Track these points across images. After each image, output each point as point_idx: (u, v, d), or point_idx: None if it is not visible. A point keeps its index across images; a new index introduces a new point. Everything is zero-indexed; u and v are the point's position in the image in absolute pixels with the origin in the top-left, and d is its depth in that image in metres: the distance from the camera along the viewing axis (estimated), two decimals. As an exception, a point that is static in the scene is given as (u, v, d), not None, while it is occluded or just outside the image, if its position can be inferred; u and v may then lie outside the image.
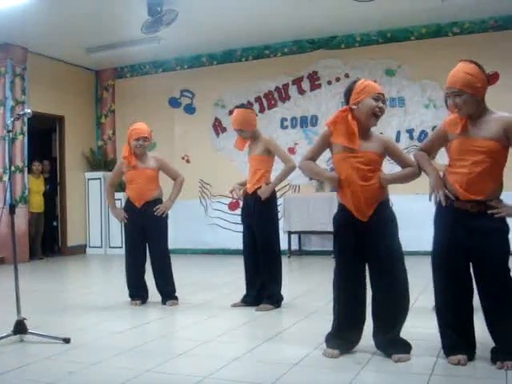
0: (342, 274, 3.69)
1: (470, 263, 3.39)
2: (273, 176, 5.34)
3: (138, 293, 5.71)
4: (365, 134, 3.64)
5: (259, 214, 5.25)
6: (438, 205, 3.46)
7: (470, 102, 3.29)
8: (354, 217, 3.60)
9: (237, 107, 5.68)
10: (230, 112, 10.45)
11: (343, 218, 3.67)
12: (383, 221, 3.61)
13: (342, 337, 3.66)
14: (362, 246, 3.61)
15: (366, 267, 3.70)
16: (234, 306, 5.39)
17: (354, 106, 3.61)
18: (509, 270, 3.30)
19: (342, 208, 3.68)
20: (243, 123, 5.38)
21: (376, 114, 3.60)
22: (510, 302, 3.28)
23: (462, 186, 3.30)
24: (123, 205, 5.88)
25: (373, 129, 3.71)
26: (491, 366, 3.26)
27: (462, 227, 3.32)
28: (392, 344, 3.57)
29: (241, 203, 5.60)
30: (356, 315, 3.69)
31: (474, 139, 3.30)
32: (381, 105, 3.61)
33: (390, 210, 3.70)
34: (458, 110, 3.32)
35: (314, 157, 3.79)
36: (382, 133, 9.22)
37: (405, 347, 3.58)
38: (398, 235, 3.67)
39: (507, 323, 3.27)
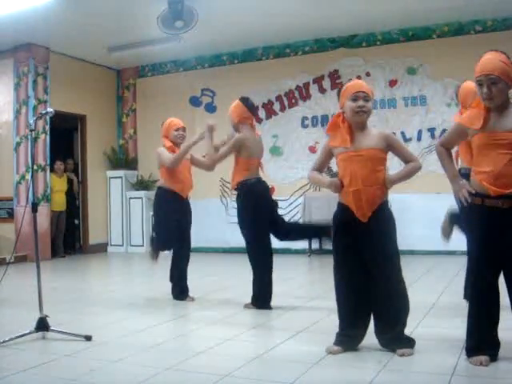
0: (342, 273, 3.70)
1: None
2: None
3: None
4: (361, 132, 3.67)
5: (239, 215, 5.27)
6: (469, 205, 3.41)
7: (503, 92, 3.23)
8: (354, 217, 3.61)
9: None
10: (251, 111, 10.49)
11: (344, 218, 3.68)
12: (382, 221, 3.64)
13: (347, 334, 3.70)
14: (361, 246, 3.62)
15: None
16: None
17: (341, 110, 3.76)
18: None
19: (342, 208, 3.70)
20: (230, 111, 5.50)
21: (358, 113, 3.62)
22: None
23: (489, 182, 3.24)
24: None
25: (384, 127, 3.73)
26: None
27: (495, 225, 3.26)
28: (395, 341, 3.60)
29: None
30: (359, 312, 3.70)
31: (497, 132, 3.23)
32: (360, 103, 3.63)
33: (389, 210, 3.72)
34: (490, 99, 3.23)
35: (319, 167, 3.91)
36: (394, 133, 9.29)
37: (408, 342, 3.62)
38: (396, 236, 3.69)
39: None
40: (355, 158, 3.60)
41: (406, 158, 3.73)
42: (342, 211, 3.69)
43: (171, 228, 5.64)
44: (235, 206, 5.26)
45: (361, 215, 3.60)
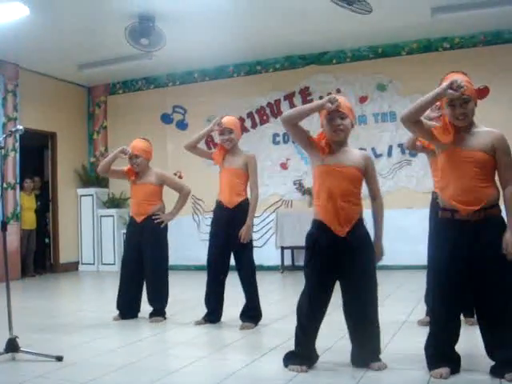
0: (315, 293, 3.67)
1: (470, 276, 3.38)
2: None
3: (121, 309, 5.75)
4: (340, 150, 3.66)
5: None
6: (438, 218, 3.47)
7: (473, 110, 3.34)
8: (332, 233, 3.58)
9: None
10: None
11: (321, 235, 3.62)
12: (361, 238, 3.64)
13: (307, 353, 3.71)
14: (337, 263, 3.61)
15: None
16: (199, 323, 5.35)
17: (321, 128, 3.72)
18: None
19: (319, 225, 3.64)
20: (235, 126, 5.38)
21: (335, 131, 3.62)
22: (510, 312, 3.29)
23: (457, 200, 3.30)
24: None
25: (355, 143, 3.76)
26: (488, 379, 3.26)
27: (464, 238, 3.31)
28: (370, 356, 3.62)
29: None
30: (318, 329, 3.72)
31: (467, 150, 3.31)
32: (337, 122, 3.61)
33: (365, 227, 3.72)
34: (463, 118, 3.32)
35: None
36: (365, 149, 9.37)
37: (378, 356, 3.65)
38: (373, 253, 3.70)
39: (508, 336, 3.28)
40: (337, 172, 3.59)
41: (371, 190, 3.75)
42: (319, 229, 3.64)
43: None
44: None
45: (339, 230, 3.57)
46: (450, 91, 3.23)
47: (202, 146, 5.61)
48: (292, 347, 3.82)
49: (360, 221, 3.65)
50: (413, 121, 3.38)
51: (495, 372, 3.29)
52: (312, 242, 3.68)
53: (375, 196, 3.75)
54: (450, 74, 3.45)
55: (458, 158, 3.33)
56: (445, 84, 3.26)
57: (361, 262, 3.62)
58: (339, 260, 3.60)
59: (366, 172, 3.69)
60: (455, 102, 3.30)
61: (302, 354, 3.71)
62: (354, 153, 3.71)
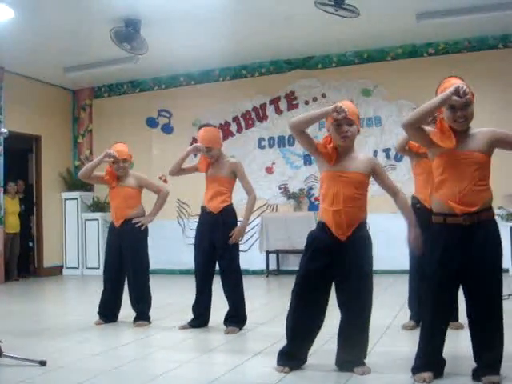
0: (306, 291, 3.69)
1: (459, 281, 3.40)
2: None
3: (102, 312, 5.75)
4: (346, 155, 3.70)
5: (227, 235, 5.22)
6: (430, 225, 3.49)
7: (472, 114, 3.37)
8: (332, 235, 3.63)
9: (202, 126, 5.59)
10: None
11: (321, 235, 3.70)
12: (360, 241, 3.67)
13: (295, 354, 3.74)
14: (333, 265, 3.64)
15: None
16: (183, 328, 5.34)
17: (328, 133, 3.74)
18: (501, 288, 3.33)
19: (321, 225, 3.71)
20: (214, 141, 5.34)
21: (342, 138, 3.65)
22: (498, 316, 3.31)
23: (454, 201, 3.30)
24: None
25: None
26: (470, 383, 3.28)
27: (456, 243, 3.32)
28: (354, 361, 3.63)
29: None
30: (313, 331, 3.75)
31: (466, 152, 3.33)
32: (345, 129, 3.64)
33: (367, 231, 3.75)
34: (463, 121, 3.34)
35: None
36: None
37: (363, 361, 3.66)
38: (371, 257, 3.72)
39: (494, 340, 3.30)
40: (340, 178, 3.64)
41: (388, 189, 3.78)
42: (321, 229, 3.70)
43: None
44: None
45: (340, 234, 3.62)
46: (455, 98, 3.26)
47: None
48: (278, 350, 3.83)
49: (362, 225, 3.69)
50: (416, 127, 3.39)
51: (476, 375, 3.31)
52: (311, 240, 3.74)
53: (395, 192, 3.77)
54: (447, 79, 3.47)
55: (456, 160, 3.34)
56: (449, 90, 3.26)
57: (357, 265, 3.63)
58: (335, 262, 3.63)
59: (376, 174, 3.74)
60: (458, 106, 3.32)
61: (288, 353, 3.74)
62: (359, 158, 3.73)
